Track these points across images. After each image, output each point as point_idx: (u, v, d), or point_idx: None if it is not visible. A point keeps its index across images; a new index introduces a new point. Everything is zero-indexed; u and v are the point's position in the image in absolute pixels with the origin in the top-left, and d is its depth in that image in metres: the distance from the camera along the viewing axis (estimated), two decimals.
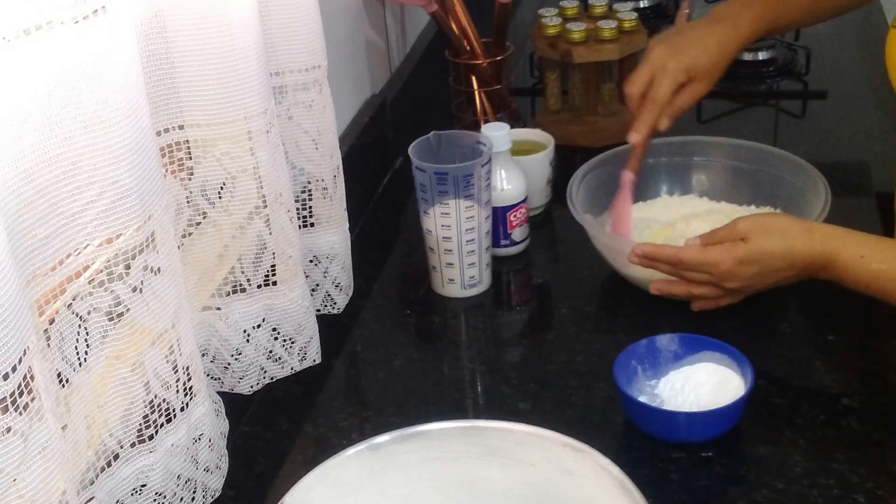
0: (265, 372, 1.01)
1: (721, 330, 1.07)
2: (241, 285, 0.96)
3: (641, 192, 1.28)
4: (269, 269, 0.96)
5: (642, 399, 0.97)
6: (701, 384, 0.97)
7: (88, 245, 0.69)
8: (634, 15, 1.49)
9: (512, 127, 1.25)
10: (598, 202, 1.25)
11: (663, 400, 0.98)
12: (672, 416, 0.95)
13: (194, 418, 0.83)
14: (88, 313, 0.72)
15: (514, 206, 1.23)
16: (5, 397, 0.58)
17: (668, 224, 1.23)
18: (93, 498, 0.76)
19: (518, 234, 1.25)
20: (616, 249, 1.15)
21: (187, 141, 0.86)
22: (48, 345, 0.69)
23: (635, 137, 1.19)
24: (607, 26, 1.45)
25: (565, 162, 1.40)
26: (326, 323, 1.09)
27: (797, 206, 1.19)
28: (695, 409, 0.95)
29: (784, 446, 0.95)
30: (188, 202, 0.89)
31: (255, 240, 0.94)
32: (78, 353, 0.72)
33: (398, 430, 0.82)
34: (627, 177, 1.21)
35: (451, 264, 1.18)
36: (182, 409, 0.82)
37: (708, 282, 1.07)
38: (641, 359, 1.01)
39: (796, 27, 1.31)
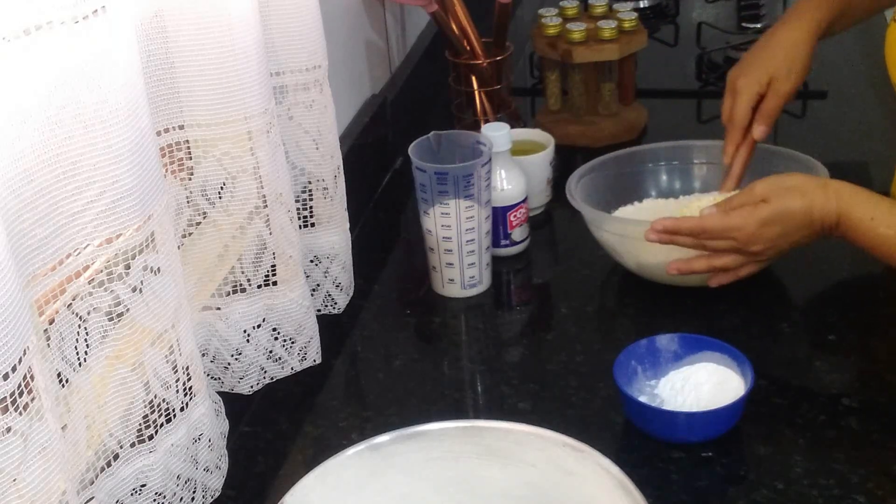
0: (265, 372, 1.01)
1: (721, 330, 1.07)
2: (241, 285, 0.96)
3: (642, 195, 1.28)
4: (270, 269, 0.96)
5: (642, 399, 0.97)
6: (701, 384, 0.97)
7: (88, 245, 0.69)
8: (634, 15, 1.49)
9: (512, 127, 1.25)
10: (596, 206, 1.25)
11: (663, 400, 0.98)
12: (672, 416, 0.95)
13: (194, 418, 0.83)
14: (88, 313, 0.72)
15: (514, 206, 1.23)
16: (5, 397, 0.58)
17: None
18: (92, 498, 0.76)
19: (518, 234, 1.25)
20: (625, 234, 1.14)
21: (187, 141, 0.86)
22: (48, 345, 0.69)
23: (726, 158, 1.21)
24: (607, 26, 1.45)
25: (565, 162, 1.40)
26: (326, 323, 1.09)
27: None
28: (695, 409, 0.95)
29: (784, 446, 0.95)
30: (188, 202, 0.89)
31: (255, 240, 0.94)
32: (78, 353, 0.72)
33: (398, 430, 0.82)
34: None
35: (451, 264, 1.18)
36: (182, 409, 0.82)
37: (731, 248, 1.07)
38: (641, 359, 1.01)
39: (862, 18, 1.31)
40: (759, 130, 1.20)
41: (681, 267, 1.09)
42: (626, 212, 1.26)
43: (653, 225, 1.07)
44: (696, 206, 1.14)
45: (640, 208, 1.26)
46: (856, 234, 1.03)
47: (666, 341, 1.02)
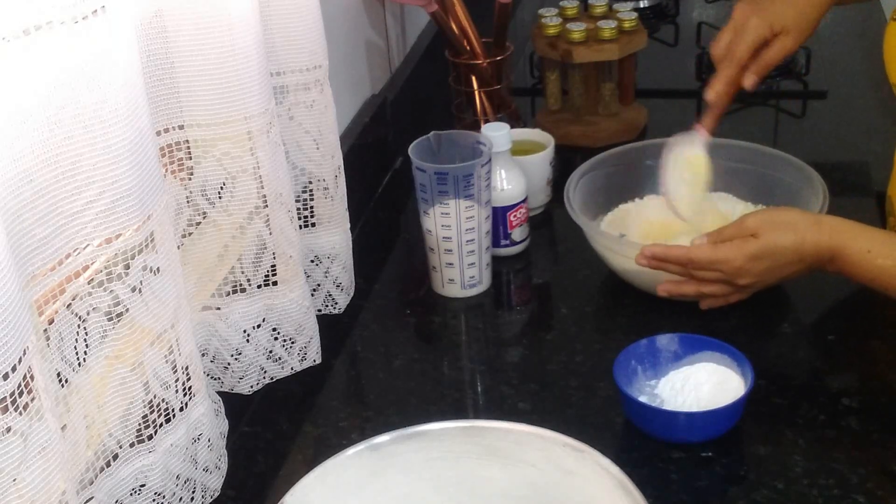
0: (265, 372, 1.01)
1: (721, 330, 1.07)
2: (241, 285, 0.96)
3: (639, 191, 1.28)
4: (270, 269, 0.96)
5: (642, 399, 0.97)
6: (701, 384, 0.97)
7: (88, 245, 0.69)
8: (634, 15, 1.49)
9: (512, 127, 1.25)
10: (596, 203, 1.25)
11: (663, 400, 0.98)
12: (672, 416, 0.95)
13: (193, 418, 0.83)
14: (88, 313, 0.72)
15: (514, 206, 1.23)
16: (5, 397, 0.58)
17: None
18: (92, 498, 0.76)
19: (518, 234, 1.25)
20: (615, 250, 1.15)
21: (187, 141, 0.86)
22: (48, 345, 0.69)
23: (710, 94, 1.17)
24: (607, 26, 1.45)
25: (565, 162, 1.39)
26: (327, 323, 1.09)
27: (794, 206, 1.18)
28: (695, 409, 0.95)
29: (784, 446, 0.95)
30: (188, 202, 0.89)
31: (255, 240, 0.94)
32: (77, 354, 0.72)
33: (398, 430, 0.82)
34: (702, 133, 1.18)
35: (451, 264, 1.18)
36: (181, 409, 0.82)
37: (719, 279, 1.07)
38: (641, 359, 1.01)
39: None
40: (751, 80, 1.15)
41: (671, 290, 1.10)
42: (627, 209, 1.26)
43: (642, 250, 1.08)
44: (688, 204, 1.16)
45: (640, 205, 1.27)
46: (853, 268, 1.02)
47: (666, 341, 1.02)
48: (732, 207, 1.25)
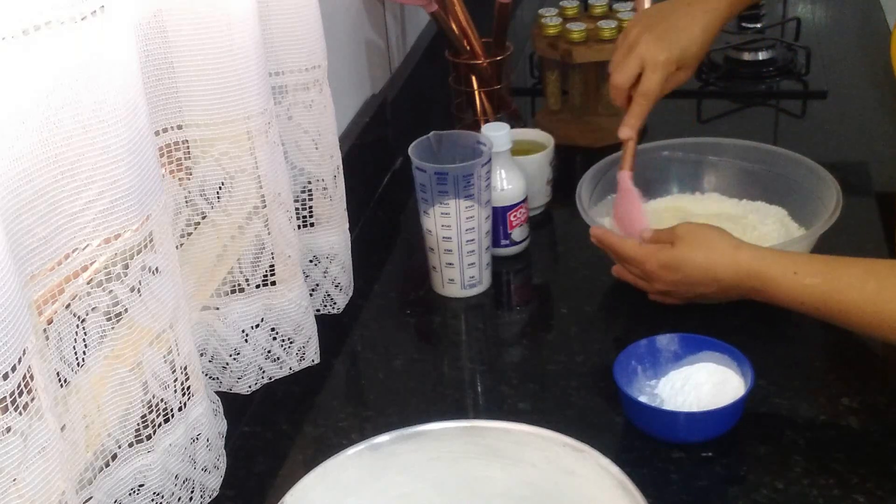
0: (263, 372, 1.00)
1: (721, 330, 1.06)
2: (239, 285, 0.95)
3: (654, 189, 1.28)
4: (268, 269, 0.96)
5: (642, 399, 0.97)
6: (701, 384, 0.97)
7: (87, 245, 0.69)
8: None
9: (512, 127, 1.25)
10: (608, 204, 1.24)
11: (663, 400, 0.98)
12: (672, 416, 0.95)
13: (192, 418, 0.83)
14: (87, 313, 0.72)
15: (514, 206, 1.23)
16: (5, 397, 0.58)
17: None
18: (91, 497, 0.76)
19: (518, 234, 1.25)
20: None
21: (186, 141, 0.86)
22: (47, 345, 0.69)
23: (626, 133, 1.18)
24: (607, 26, 1.45)
25: (565, 162, 1.40)
26: (326, 323, 1.09)
27: (808, 207, 1.18)
28: (695, 409, 0.95)
29: (784, 446, 0.95)
30: (187, 202, 0.89)
31: (253, 240, 0.94)
32: (76, 354, 0.72)
33: (398, 430, 0.82)
34: (625, 177, 1.19)
35: (451, 264, 1.18)
36: (180, 409, 0.82)
37: (640, 277, 1.10)
38: (641, 359, 1.01)
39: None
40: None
41: (618, 271, 1.14)
42: (652, 206, 1.26)
43: (591, 228, 1.12)
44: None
45: (662, 203, 1.28)
46: (782, 292, 0.99)
47: (666, 341, 1.02)
48: (719, 206, 1.26)
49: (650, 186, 1.27)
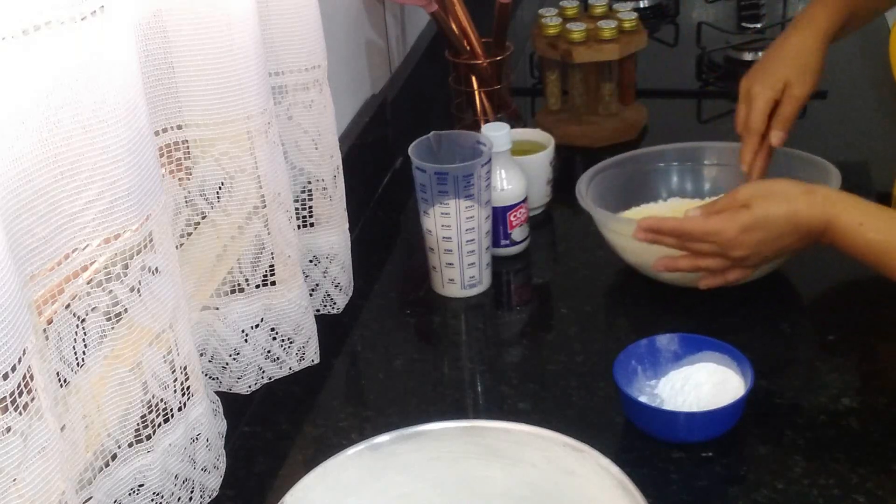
0: (263, 372, 1.00)
1: (721, 330, 1.06)
2: (239, 285, 0.95)
3: (651, 195, 1.27)
4: (268, 269, 0.96)
5: (642, 399, 0.97)
6: (701, 384, 0.97)
7: (87, 245, 0.69)
8: (634, 15, 1.49)
9: (512, 127, 1.25)
10: (608, 202, 1.24)
11: (663, 400, 0.98)
12: (671, 416, 0.95)
13: (192, 418, 0.83)
14: (87, 313, 0.72)
15: (514, 206, 1.23)
16: (5, 397, 0.58)
17: None
18: (91, 498, 0.76)
19: (518, 234, 1.25)
20: (625, 234, 1.13)
21: (186, 141, 0.86)
22: (47, 345, 0.69)
23: (744, 166, 1.21)
24: (607, 26, 1.45)
25: (565, 162, 1.40)
26: (326, 323, 1.09)
27: None
28: (695, 409, 0.95)
29: (784, 446, 0.95)
30: (187, 202, 0.89)
31: (253, 240, 0.94)
32: (76, 354, 0.72)
33: (398, 430, 0.82)
34: None
35: (451, 264, 1.18)
36: (180, 409, 0.82)
37: (713, 252, 1.06)
38: (641, 359, 1.01)
39: (867, 21, 1.30)
40: (776, 136, 1.19)
41: (667, 264, 1.09)
42: (649, 209, 1.25)
43: (638, 224, 1.08)
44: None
45: (662, 206, 1.26)
46: (844, 241, 1.00)
47: (666, 341, 1.02)
48: None
49: (653, 190, 1.27)
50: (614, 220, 1.17)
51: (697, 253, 1.07)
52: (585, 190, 1.20)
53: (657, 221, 1.08)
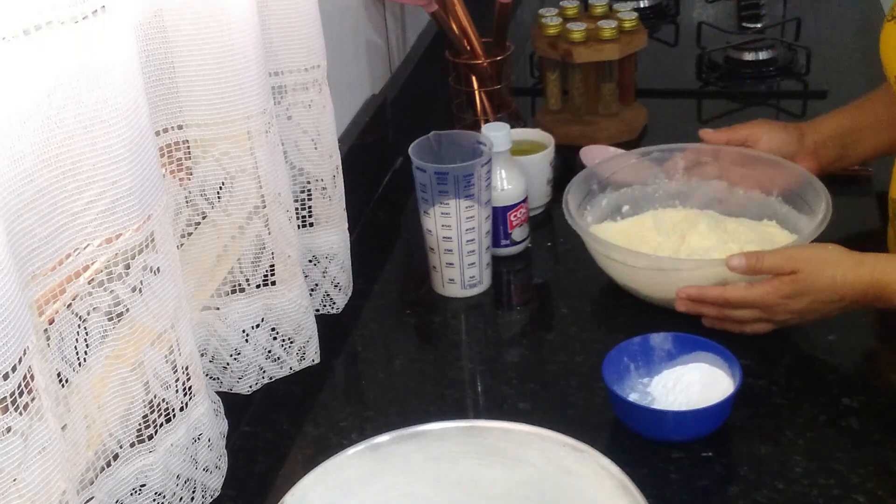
0: (264, 372, 1.01)
1: (720, 330, 1.07)
2: (240, 285, 0.96)
3: (637, 206, 1.26)
4: (268, 269, 0.96)
5: (633, 396, 0.98)
6: (692, 384, 0.97)
7: (88, 245, 0.69)
8: (634, 15, 1.49)
9: (512, 127, 1.25)
10: (593, 210, 1.24)
11: (654, 398, 0.98)
12: (658, 415, 0.95)
13: (193, 418, 0.83)
14: (88, 313, 0.72)
15: (514, 206, 1.23)
16: (5, 397, 0.58)
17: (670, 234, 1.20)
18: (92, 498, 0.76)
19: (518, 234, 1.25)
20: (618, 259, 1.13)
21: (186, 141, 0.86)
22: (48, 345, 0.69)
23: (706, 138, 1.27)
24: (607, 26, 1.45)
25: (565, 162, 1.39)
26: (326, 323, 1.09)
27: (796, 210, 1.18)
28: (684, 408, 0.95)
29: (784, 446, 0.95)
30: (187, 202, 0.89)
31: (254, 240, 0.94)
32: (77, 353, 0.72)
33: (398, 430, 0.82)
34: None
35: (451, 264, 1.18)
36: (181, 409, 0.82)
37: (755, 318, 1.06)
38: (634, 356, 1.01)
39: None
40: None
41: (690, 309, 1.08)
42: (612, 225, 1.24)
43: (678, 293, 1.07)
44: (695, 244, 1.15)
45: (619, 223, 1.25)
46: None
47: (660, 340, 1.02)
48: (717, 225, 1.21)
49: (641, 197, 1.26)
50: (607, 245, 1.14)
51: (739, 319, 1.06)
52: (576, 206, 1.19)
53: (699, 291, 1.06)
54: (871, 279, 1.00)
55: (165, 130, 0.85)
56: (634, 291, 1.15)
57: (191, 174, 0.89)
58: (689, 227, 1.19)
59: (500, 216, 1.22)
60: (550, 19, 1.49)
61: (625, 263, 1.12)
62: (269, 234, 0.94)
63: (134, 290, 0.74)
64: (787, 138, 1.23)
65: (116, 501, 0.79)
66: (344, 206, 1.09)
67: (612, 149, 1.39)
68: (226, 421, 0.92)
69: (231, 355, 0.97)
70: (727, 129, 1.26)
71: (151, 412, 0.79)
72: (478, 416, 1.03)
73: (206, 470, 0.87)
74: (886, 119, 1.22)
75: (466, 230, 1.15)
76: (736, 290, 1.04)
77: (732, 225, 1.19)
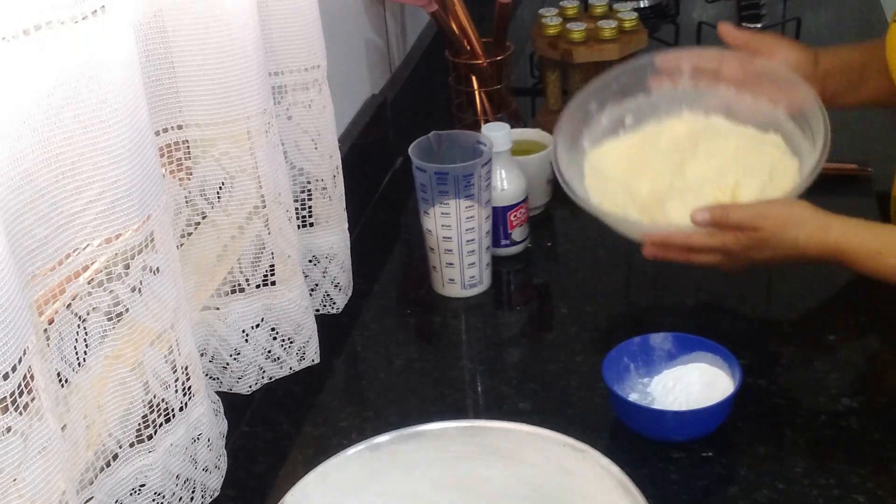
0: (264, 372, 1.01)
1: (721, 330, 1.06)
2: (239, 285, 0.96)
3: (640, 115, 1.23)
4: (268, 269, 0.96)
5: (632, 396, 0.98)
6: (692, 384, 0.97)
7: (88, 245, 0.69)
8: (634, 15, 1.49)
9: (512, 127, 1.25)
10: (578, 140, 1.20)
11: (654, 398, 0.98)
12: (657, 415, 0.95)
13: (193, 418, 0.83)
14: (88, 313, 0.72)
15: (514, 206, 1.23)
16: (5, 397, 0.58)
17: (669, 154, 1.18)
18: (92, 498, 0.76)
19: (518, 234, 1.25)
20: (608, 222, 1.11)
21: (186, 141, 0.86)
22: (48, 345, 0.69)
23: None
24: (607, 26, 1.45)
25: None
26: (326, 323, 1.09)
27: (800, 128, 1.16)
28: (683, 408, 0.96)
29: (784, 446, 0.95)
30: (187, 202, 0.89)
31: (253, 240, 0.94)
32: (77, 354, 0.72)
33: (398, 430, 0.82)
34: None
35: (451, 264, 1.18)
36: (181, 409, 0.82)
37: (717, 262, 1.07)
38: (634, 356, 1.01)
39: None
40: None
41: (656, 254, 1.08)
42: (612, 146, 1.21)
43: (644, 238, 1.07)
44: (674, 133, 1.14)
45: (620, 142, 1.22)
46: (864, 269, 1.03)
47: (660, 340, 1.02)
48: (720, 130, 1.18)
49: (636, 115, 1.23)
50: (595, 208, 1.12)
51: (696, 259, 1.08)
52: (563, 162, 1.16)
53: (665, 237, 1.07)
54: (834, 246, 1.03)
55: (165, 130, 0.85)
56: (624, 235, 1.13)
57: (191, 174, 0.89)
58: (690, 148, 1.17)
59: (500, 216, 1.22)
60: (550, 19, 1.49)
61: (614, 222, 1.11)
62: (269, 234, 0.94)
63: (133, 290, 0.74)
64: (804, 59, 1.19)
65: (116, 501, 0.79)
66: (344, 206, 1.09)
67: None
68: (225, 421, 0.92)
69: (231, 355, 0.97)
70: (749, 31, 1.23)
71: (151, 412, 0.79)
72: (478, 416, 1.03)
73: (205, 470, 0.87)
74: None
75: (466, 230, 1.15)
76: (699, 236, 1.06)
77: (735, 142, 1.17)
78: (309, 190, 1.05)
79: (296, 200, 1.04)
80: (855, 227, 1.04)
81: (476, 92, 1.48)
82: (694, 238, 1.06)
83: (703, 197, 1.09)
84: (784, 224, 1.04)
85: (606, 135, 1.22)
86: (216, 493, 0.89)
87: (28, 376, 0.59)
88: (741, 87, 1.19)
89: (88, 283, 0.72)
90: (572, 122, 1.20)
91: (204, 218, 0.91)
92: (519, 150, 1.28)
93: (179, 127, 0.85)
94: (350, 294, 1.15)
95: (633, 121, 1.23)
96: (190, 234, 0.91)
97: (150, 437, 0.80)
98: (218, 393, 0.94)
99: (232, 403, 0.96)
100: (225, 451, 0.91)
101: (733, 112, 1.20)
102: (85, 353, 0.72)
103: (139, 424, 0.79)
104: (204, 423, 0.85)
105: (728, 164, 1.14)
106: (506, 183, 1.22)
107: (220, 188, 0.90)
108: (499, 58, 1.46)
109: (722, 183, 1.12)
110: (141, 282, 0.74)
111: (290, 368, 1.03)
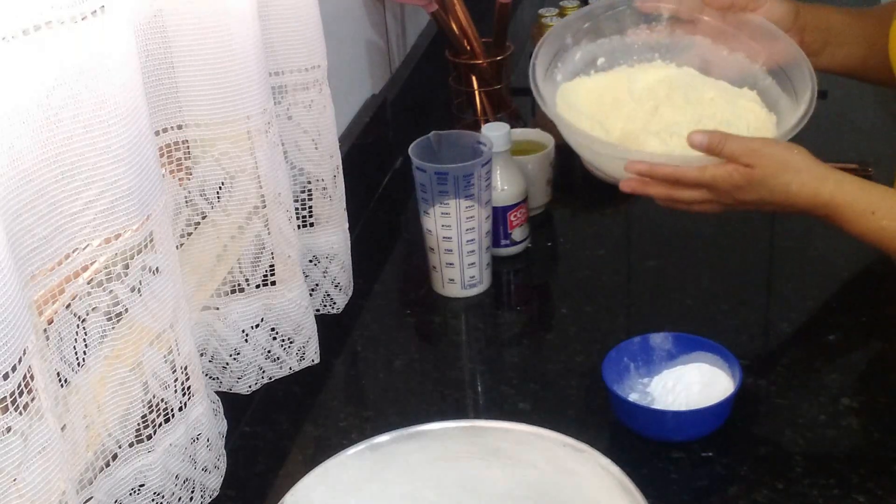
0: (263, 372, 1.00)
1: (722, 330, 1.07)
2: (239, 285, 0.95)
3: (613, 59, 1.18)
4: (268, 269, 0.96)
5: (632, 396, 0.98)
6: (692, 384, 0.97)
7: (88, 245, 0.69)
8: None
9: (512, 127, 1.25)
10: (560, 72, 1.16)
11: (654, 398, 0.98)
12: (657, 415, 0.95)
13: (192, 418, 0.83)
14: (87, 313, 0.72)
15: (514, 206, 1.23)
16: (5, 397, 0.58)
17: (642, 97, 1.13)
18: (91, 497, 0.76)
19: (518, 234, 1.25)
20: (582, 142, 1.08)
21: (186, 141, 0.86)
22: (47, 345, 0.69)
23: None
24: None
25: (565, 162, 1.39)
26: (326, 323, 1.09)
27: (779, 84, 1.12)
28: (683, 408, 0.95)
29: (784, 446, 0.95)
30: (187, 202, 0.89)
31: (253, 240, 0.94)
32: (77, 354, 0.72)
33: (398, 430, 0.82)
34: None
35: (451, 264, 1.18)
36: (180, 409, 0.82)
37: (703, 199, 1.02)
38: (634, 356, 1.01)
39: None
40: None
41: (635, 188, 1.03)
42: (583, 83, 1.17)
43: (627, 167, 1.02)
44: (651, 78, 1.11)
45: (591, 80, 1.17)
46: (856, 227, 0.99)
47: (660, 340, 1.02)
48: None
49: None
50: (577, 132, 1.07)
51: (681, 196, 1.03)
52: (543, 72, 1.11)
53: (650, 167, 1.02)
54: (828, 198, 0.99)
55: (165, 130, 0.85)
56: (598, 170, 1.10)
57: (190, 174, 0.89)
58: (664, 95, 1.13)
59: (500, 216, 1.22)
60: (550, 19, 1.49)
61: (589, 148, 1.07)
62: (269, 234, 0.94)
63: (133, 290, 0.74)
64: (787, 13, 1.15)
65: (115, 501, 0.79)
66: (344, 206, 1.09)
67: None
68: (225, 421, 0.92)
69: (230, 355, 0.97)
70: None
71: (150, 412, 0.79)
72: (478, 416, 1.03)
73: (204, 470, 0.87)
74: (873, 35, 1.18)
75: (466, 230, 1.15)
76: (688, 169, 1.01)
77: (710, 93, 1.13)
78: (309, 190, 1.05)
79: (296, 200, 1.04)
80: (851, 183, 1.00)
81: (476, 92, 1.48)
82: (682, 170, 1.01)
83: (683, 139, 1.03)
84: (780, 167, 0.99)
85: (578, 72, 1.17)
86: (216, 493, 0.89)
87: (28, 376, 0.59)
88: (718, 40, 1.16)
89: (88, 283, 0.72)
90: (549, 52, 1.14)
91: (204, 218, 0.91)
92: (519, 150, 1.28)
93: (179, 127, 0.85)
94: (350, 294, 1.15)
95: (606, 63, 1.18)
96: (190, 234, 0.91)
97: (149, 437, 0.80)
98: (218, 393, 0.94)
99: (232, 403, 0.96)
100: (224, 451, 0.91)
101: (707, 64, 1.16)
102: (84, 353, 0.72)
103: (138, 424, 0.79)
104: (203, 423, 0.85)
105: (705, 112, 1.10)
106: (506, 183, 1.22)
107: (220, 188, 0.90)
108: (499, 58, 1.46)
109: (699, 126, 1.06)
110: (140, 282, 0.74)
111: (290, 368, 1.03)
